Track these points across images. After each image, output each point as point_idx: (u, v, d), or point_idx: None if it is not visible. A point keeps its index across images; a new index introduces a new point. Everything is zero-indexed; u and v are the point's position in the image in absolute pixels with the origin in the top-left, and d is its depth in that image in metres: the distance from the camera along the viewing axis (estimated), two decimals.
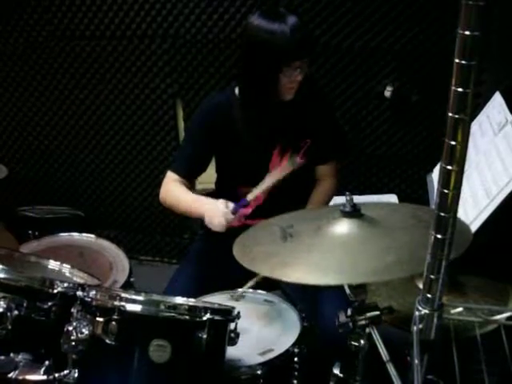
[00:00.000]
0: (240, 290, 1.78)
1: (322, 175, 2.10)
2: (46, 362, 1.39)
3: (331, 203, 2.11)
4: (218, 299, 1.74)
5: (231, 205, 1.84)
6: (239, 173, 2.01)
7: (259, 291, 1.80)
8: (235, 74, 2.71)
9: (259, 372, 1.49)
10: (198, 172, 2.05)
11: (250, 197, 1.87)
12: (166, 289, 1.94)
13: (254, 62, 1.84)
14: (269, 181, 1.87)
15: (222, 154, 2.01)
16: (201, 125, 2.00)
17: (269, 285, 1.78)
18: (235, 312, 1.44)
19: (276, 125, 1.96)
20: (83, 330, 1.32)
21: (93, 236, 2.25)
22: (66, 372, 1.34)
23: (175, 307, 1.33)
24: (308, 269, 1.24)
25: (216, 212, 1.83)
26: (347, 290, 1.42)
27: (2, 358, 1.39)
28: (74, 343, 1.32)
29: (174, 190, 2.01)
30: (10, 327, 1.40)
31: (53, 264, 1.80)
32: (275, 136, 1.96)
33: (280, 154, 1.97)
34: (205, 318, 1.33)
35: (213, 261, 2.02)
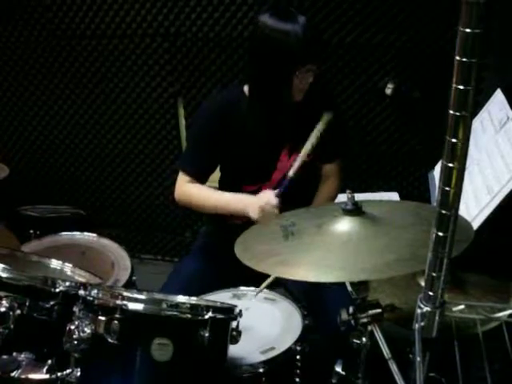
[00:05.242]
0: (254, 291, 1.77)
1: (327, 174, 2.10)
2: (49, 361, 1.39)
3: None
4: (220, 297, 1.74)
5: (273, 192, 1.86)
6: (246, 172, 2.01)
7: None
8: (239, 73, 2.72)
9: (261, 370, 1.50)
10: (210, 172, 2.03)
11: (291, 173, 1.88)
12: (165, 285, 1.93)
13: (268, 64, 1.82)
14: (304, 150, 1.88)
15: (229, 152, 1.99)
16: (207, 123, 1.98)
17: (271, 283, 1.78)
18: (237, 310, 1.45)
19: (285, 124, 1.95)
20: (85, 329, 1.32)
21: (94, 235, 2.26)
22: (68, 371, 1.35)
23: (177, 306, 1.33)
24: (310, 266, 1.24)
25: (261, 203, 1.83)
26: (349, 288, 1.43)
27: (5, 357, 1.40)
28: (76, 342, 1.32)
29: (195, 190, 1.99)
30: (12, 326, 1.41)
31: (54, 263, 1.81)
32: (284, 135, 1.96)
33: (288, 153, 1.97)
34: (207, 317, 1.33)
35: (214, 259, 2.02)
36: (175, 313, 1.32)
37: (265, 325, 1.67)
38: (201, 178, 2.00)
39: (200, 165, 2.00)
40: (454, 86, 0.81)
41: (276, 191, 1.86)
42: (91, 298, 1.36)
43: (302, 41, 1.74)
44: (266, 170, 1.99)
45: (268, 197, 1.84)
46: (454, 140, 0.84)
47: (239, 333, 1.44)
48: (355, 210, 1.33)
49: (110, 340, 1.30)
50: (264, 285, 1.70)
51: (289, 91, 1.83)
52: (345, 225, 1.32)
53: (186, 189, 1.99)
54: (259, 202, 1.83)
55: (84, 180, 3.27)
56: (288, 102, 1.87)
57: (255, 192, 2.00)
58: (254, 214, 1.82)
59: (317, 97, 1.93)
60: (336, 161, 2.09)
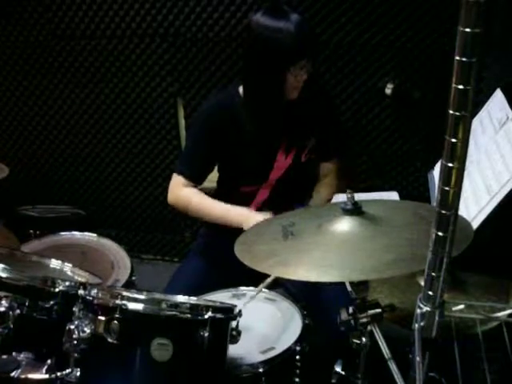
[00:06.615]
0: (253, 292, 1.76)
1: (325, 172, 2.10)
2: (48, 361, 1.39)
3: (333, 201, 2.11)
4: (220, 297, 1.74)
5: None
6: (243, 172, 2.01)
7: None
8: (239, 73, 2.72)
9: (261, 370, 1.49)
10: (205, 174, 2.03)
11: None
12: (168, 287, 1.95)
13: (261, 62, 1.83)
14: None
15: (226, 153, 2.00)
16: (204, 126, 1.98)
17: (270, 283, 1.78)
18: (237, 310, 1.44)
19: (281, 124, 1.95)
20: (85, 329, 1.32)
21: (94, 235, 2.26)
22: (67, 371, 1.34)
23: (177, 306, 1.33)
24: (309, 266, 1.24)
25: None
26: (349, 288, 1.42)
27: (5, 357, 1.40)
28: (75, 342, 1.32)
29: (193, 197, 1.98)
30: (12, 326, 1.40)
31: (54, 263, 1.80)
32: (280, 135, 1.96)
33: (285, 152, 1.97)
34: (206, 317, 1.33)
35: (214, 259, 2.02)
36: (175, 313, 1.32)
37: (264, 325, 1.67)
38: (198, 180, 2.00)
39: (197, 167, 2.00)
40: (453, 85, 0.81)
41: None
42: (91, 298, 1.35)
43: (294, 37, 1.74)
44: (263, 170, 1.99)
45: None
46: (453, 140, 0.84)
47: (239, 333, 1.44)
48: (355, 209, 1.33)
49: (109, 340, 1.30)
50: (263, 285, 1.69)
51: (282, 89, 1.84)
52: (344, 225, 1.32)
53: (184, 194, 1.99)
54: (259, 220, 1.79)
55: (84, 180, 3.27)
56: (282, 99, 1.87)
57: (253, 192, 2.00)
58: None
59: (313, 95, 1.94)
60: (334, 159, 2.09)
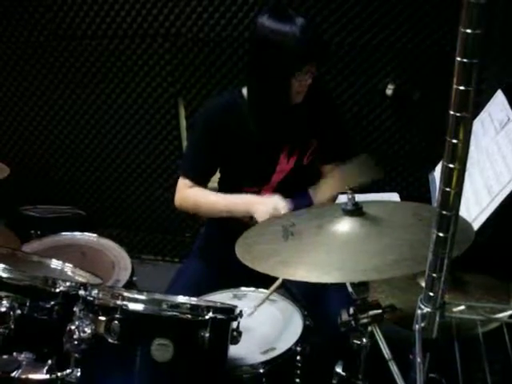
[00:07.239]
0: (253, 292, 1.76)
1: (327, 175, 2.09)
2: (49, 361, 1.39)
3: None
4: (221, 298, 1.74)
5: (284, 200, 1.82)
6: (245, 174, 2.01)
7: (261, 290, 1.80)
8: (240, 74, 2.72)
9: (261, 371, 1.49)
10: (209, 176, 2.03)
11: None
12: (169, 288, 1.95)
13: (265, 66, 1.82)
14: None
15: (228, 155, 1.99)
16: (205, 127, 1.97)
17: (271, 283, 1.78)
18: (237, 311, 1.44)
19: (284, 126, 1.95)
20: (86, 329, 1.32)
21: (95, 235, 2.26)
22: (68, 371, 1.35)
23: (177, 306, 1.33)
24: (310, 267, 1.24)
25: (270, 209, 1.76)
26: (349, 289, 1.42)
27: (5, 357, 1.40)
28: (76, 342, 1.32)
29: (200, 194, 1.97)
30: (12, 326, 1.41)
31: (55, 263, 1.81)
32: (283, 137, 1.96)
33: (287, 155, 1.97)
34: (207, 317, 1.33)
35: (215, 259, 2.02)
36: (175, 313, 1.32)
37: (265, 325, 1.67)
38: (202, 181, 2.00)
39: (201, 168, 2.00)
40: (454, 86, 0.81)
41: (289, 202, 1.84)
42: (91, 298, 1.36)
43: (300, 42, 1.74)
44: (265, 173, 1.99)
45: (277, 203, 1.81)
46: (454, 141, 0.84)
47: (240, 333, 1.44)
48: (355, 210, 1.32)
49: (110, 340, 1.30)
50: (272, 290, 1.69)
51: (287, 94, 1.83)
52: (345, 225, 1.32)
53: (190, 193, 1.98)
54: (268, 206, 1.78)
55: (84, 180, 3.27)
56: (287, 104, 1.87)
57: (255, 193, 2.00)
58: (260, 217, 1.80)
59: (316, 98, 1.93)
60: (335, 162, 2.09)
